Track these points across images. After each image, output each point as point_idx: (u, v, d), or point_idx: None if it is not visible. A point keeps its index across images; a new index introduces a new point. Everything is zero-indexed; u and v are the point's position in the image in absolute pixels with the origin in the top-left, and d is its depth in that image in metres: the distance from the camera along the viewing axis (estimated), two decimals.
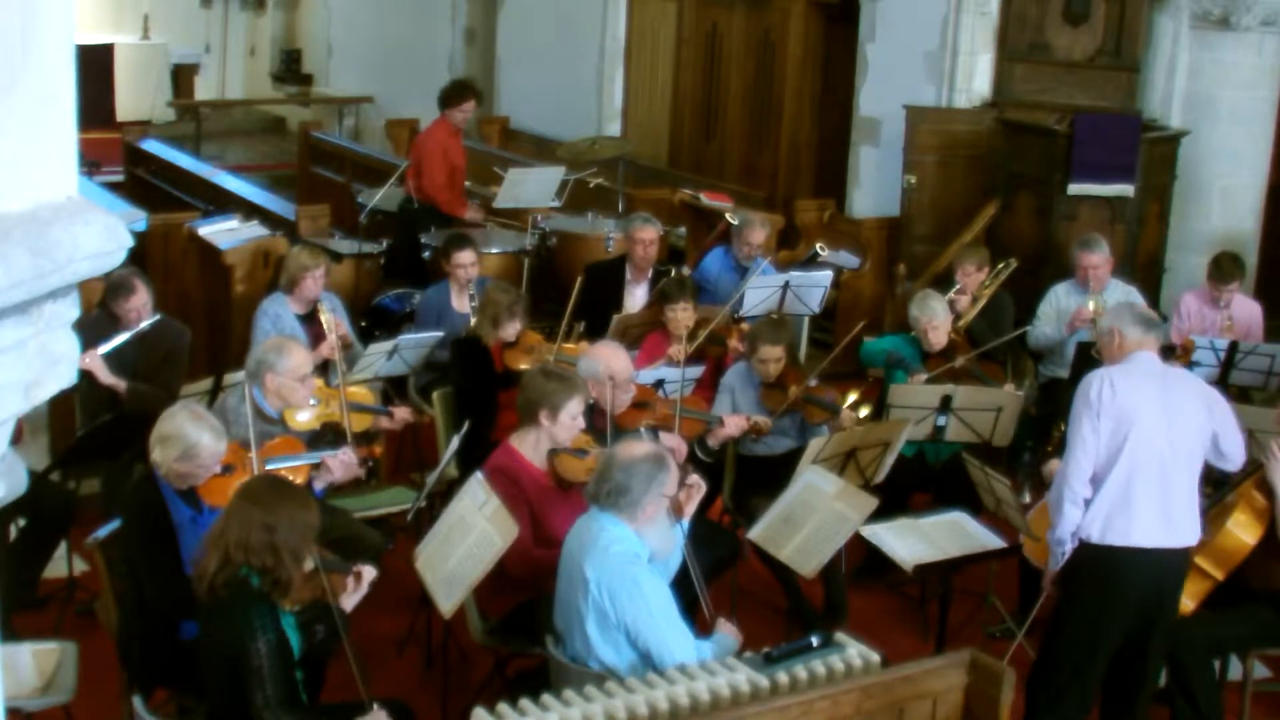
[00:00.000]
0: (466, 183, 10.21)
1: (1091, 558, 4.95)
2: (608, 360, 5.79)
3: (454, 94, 9.86)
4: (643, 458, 4.47)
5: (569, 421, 5.22)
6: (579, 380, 5.41)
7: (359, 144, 14.99)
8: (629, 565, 4.36)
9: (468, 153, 10.20)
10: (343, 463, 5.31)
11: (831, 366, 7.17)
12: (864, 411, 6.80)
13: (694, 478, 4.90)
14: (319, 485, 5.26)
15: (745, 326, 7.33)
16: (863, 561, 6.57)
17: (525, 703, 3.94)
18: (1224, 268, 7.83)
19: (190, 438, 4.73)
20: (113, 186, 11.97)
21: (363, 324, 8.19)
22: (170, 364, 6.68)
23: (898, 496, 6.26)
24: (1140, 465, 4.87)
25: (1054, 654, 5.11)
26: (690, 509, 4.82)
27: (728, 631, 4.61)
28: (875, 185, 10.94)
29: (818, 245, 9.24)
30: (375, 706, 4.20)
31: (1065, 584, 5.08)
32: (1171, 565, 5.00)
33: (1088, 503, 4.92)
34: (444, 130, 9.80)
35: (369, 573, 4.44)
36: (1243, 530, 5.30)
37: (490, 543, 4.71)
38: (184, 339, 6.86)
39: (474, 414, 6.18)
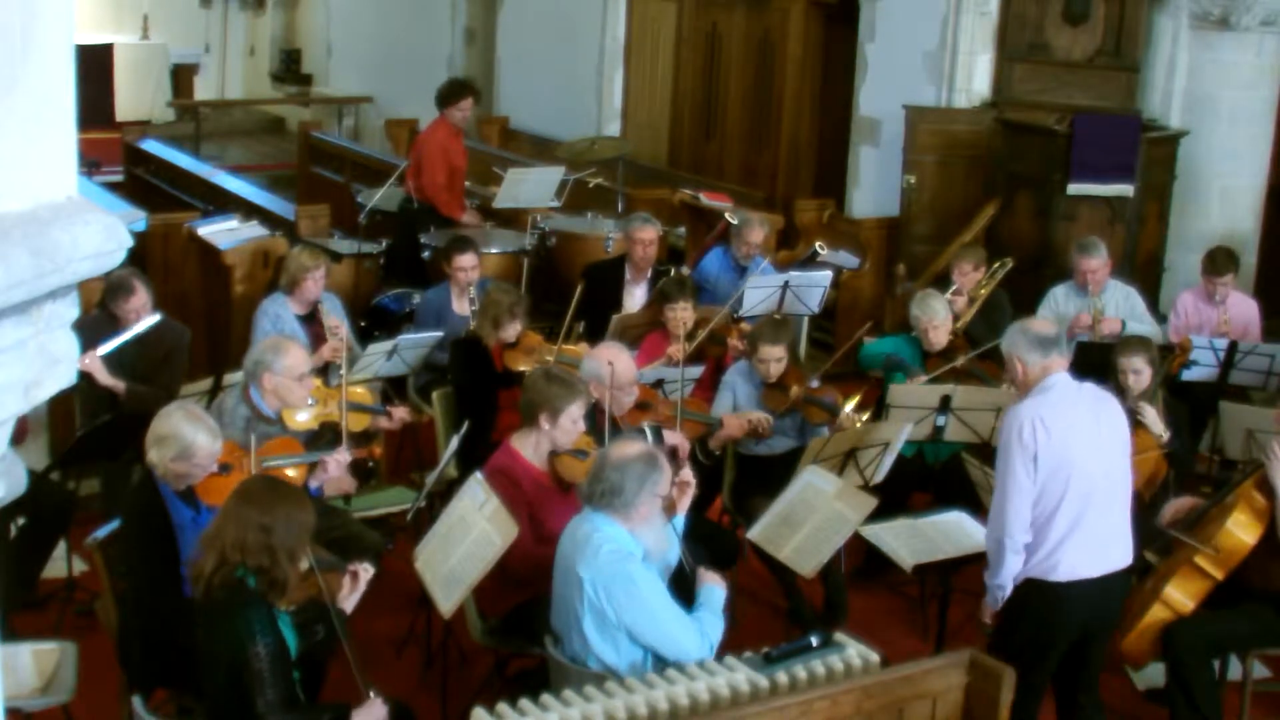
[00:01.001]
0: (466, 183, 10.21)
1: (1035, 595, 4.82)
2: (610, 361, 5.79)
3: (452, 93, 9.85)
4: (635, 458, 4.46)
5: (569, 425, 5.22)
6: (581, 384, 5.41)
7: (358, 144, 14.99)
8: (622, 563, 4.36)
9: (468, 153, 10.20)
10: (339, 463, 5.31)
11: (832, 367, 7.17)
12: (865, 415, 6.79)
13: (685, 473, 4.89)
14: (315, 484, 5.26)
15: (745, 326, 7.33)
16: (862, 561, 6.57)
17: (525, 703, 3.94)
18: (1217, 260, 7.83)
19: (186, 437, 4.73)
20: (112, 186, 11.96)
21: (362, 324, 8.19)
22: (170, 364, 6.68)
23: (897, 496, 6.26)
24: (1083, 500, 4.74)
25: None
26: (683, 505, 4.82)
27: (711, 581, 4.57)
28: (875, 185, 10.94)
29: (817, 245, 9.25)
30: (372, 694, 4.20)
31: (1007, 617, 4.94)
32: (1112, 588, 4.91)
33: (1027, 546, 4.78)
34: (444, 130, 9.80)
35: (366, 571, 4.44)
36: (1242, 530, 5.29)
37: (490, 543, 4.72)
38: (184, 339, 6.86)
39: (474, 414, 6.18)
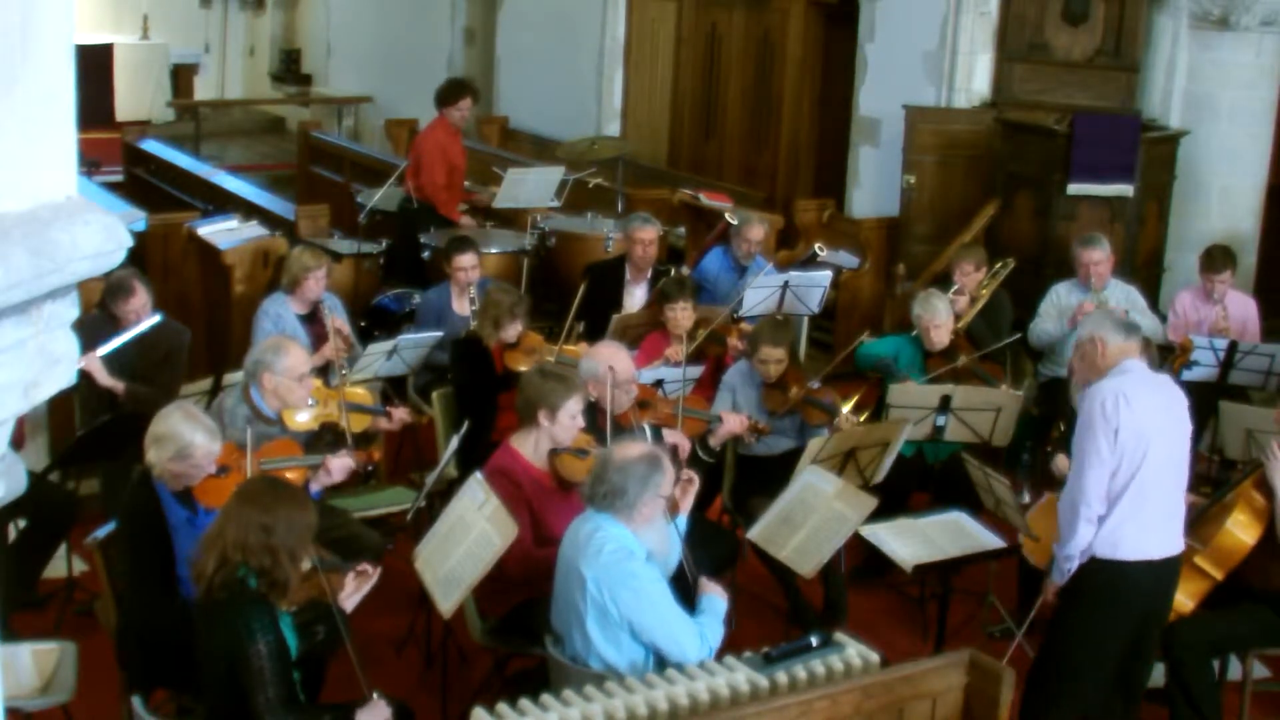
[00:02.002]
0: (466, 183, 10.21)
1: (1101, 572, 4.91)
2: (609, 360, 5.79)
3: (451, 93, 9.86)
4: (638, 459, 4.46)
5: (568, 421, 5.22)
6: (576, 379, 5.41)
7: (358, 144, 14.99)
8: (625, 561, 4.36)
9: (467, 153, 10.20)
10: (342, 466, 5.31)
11: (834, 369, 7.16)
12: (863, 416, 6.80)
13: (688, 473, 4.90)
14: (316, 488, 5.25)
15: (745, 326, 7.33)
16: (862, 561, 6.57)
17: (525, 703, 3.94)
18: (1215, 258, 7.84)
19: (184, 438, 4.72)
20: (112, 186, 11.96)
21: (362, 324, 8.19)
22: (169, 364, 6.67)
23: (897, 496, 6.27)
24: (1155, 478, 4.87)
25: (1056, 661, 5.07)
26: (686, 505, 4.82)
27: (712, 592, 4.58)
28: (875, 185, 10.94)
29: (816, 245, 9.24)
30: (375, 695, 4.20)
31: (1070, 596, 5.03)
32: (1170, 572, 5.03)
33: (1101, 519, 4.89)
34: (443, 130, 9.81)
35: (372, 572, 4.44)
36: (1242, 530, 5.30)
37: (489, 543, 4.72)
38: (183, 339, 6.85)
39: (473, 414, 6.18)
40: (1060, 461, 5.85)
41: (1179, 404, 5.08)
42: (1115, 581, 4.92)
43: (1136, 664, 5.12)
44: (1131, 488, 4.85)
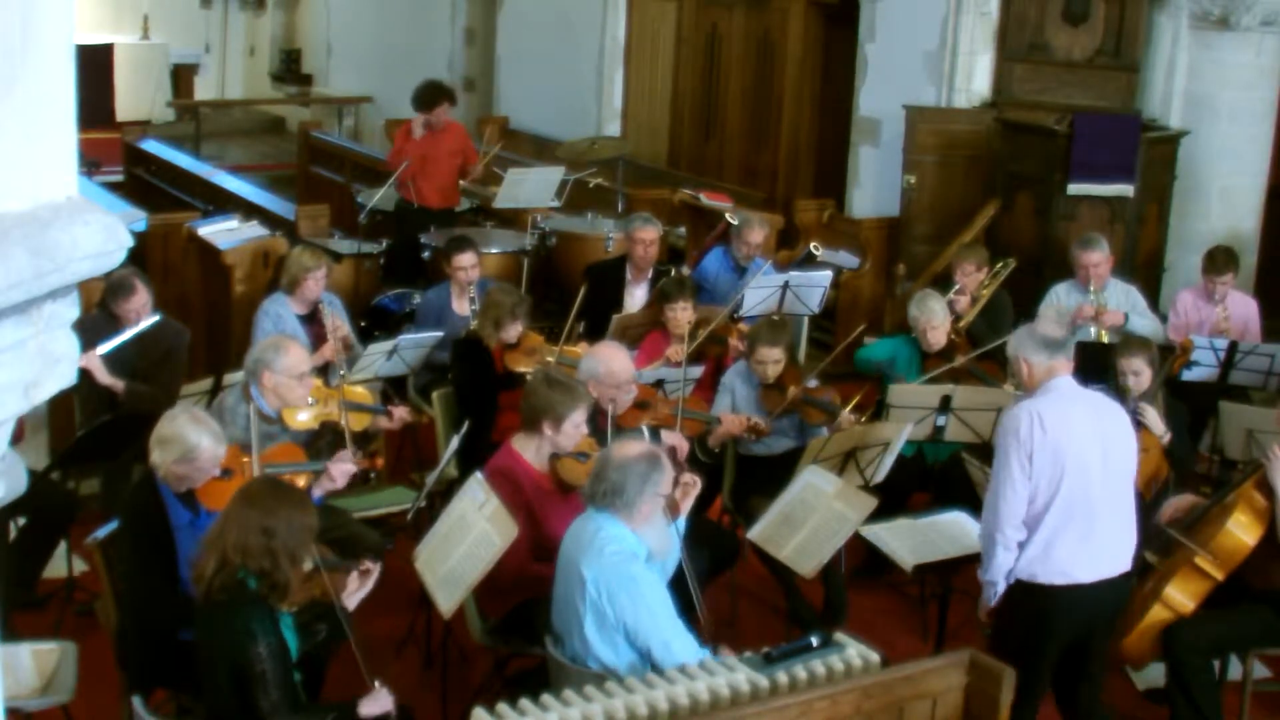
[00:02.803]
0: (462, 182, 10.20)
1: (1027, 598, 4.84)
2: (609, 361, 5.79)
3: (427, 99, 9.77)
4: (637, 458, 4.46)
5: (572, 431, 5.21)
6: (583, 390, 5.40)
7: (358, 144, 14.99)
8: (626, 564, 4.36)
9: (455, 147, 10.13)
10: (344, 471, 5.30)
11: (831, 367, 7.17)
12: (864, 416, 6.79)
13: (689, 475, 4.90)
14: (318, 493, 5.25)
15: (744, 327, 7.33)
16: (862, 561, 6.57)
17: (525, 703, 3.94)
18: (1217, 260, 7.83)
19: (190, 440, 4.73)
20: (112, 186, 11.97)
21: (362, 324, 8.19)
22: (169, 364, 6.68)
23: (897, 496, 6.26)
24: (1077, 502, 4.74)
25: None
26: (686, 506, 4.82)
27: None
28: (875, 185, 10.94)
29: (811, 245, 9.23)
30: (378, 684, 4.20)
31: (1001, 620, 4.97)
32: (1108, 595, 4.91)
33: (1021, 544, 4.79)
34: (415, 126, 9.83)
35: (375, 569, 4.44)
36: (1243, 530, 5.29)
37: (490, 543, 4.72)
38: (183, 339, 6.86)
39: (474, 414, 6.18)
40: None
41: (1114, 422, 4.92)
42: (1042, 606, 4.82)
43: (1083, 684, 5.04)
44: (1053, 510, 4.74)
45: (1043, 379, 4.86)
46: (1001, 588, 4.87)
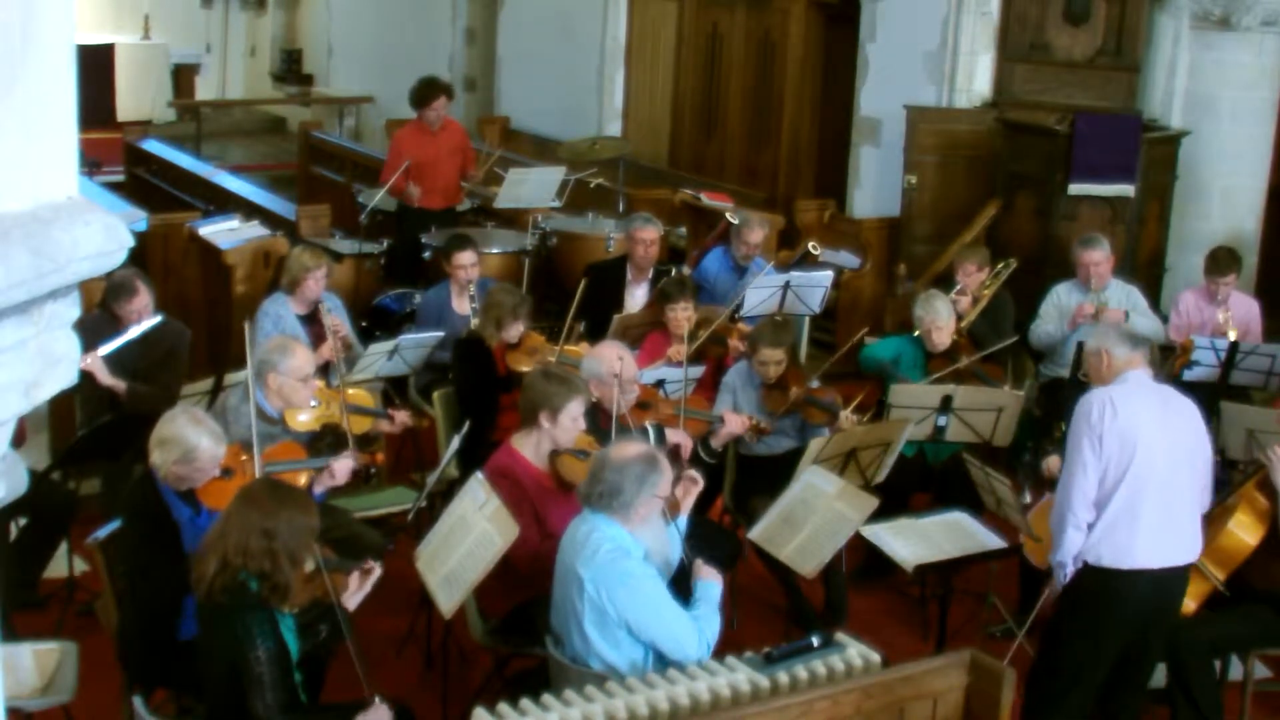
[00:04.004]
0: (464, 184, 10.20)
1: (1094, 580, 4.92)
2: (611, 360, 5.79)
3: (423, 94, 9.80)
4: (635, 459, 4.46)
5: (569, 423, 5.21)
6: (579, 382, 5.41)
7: (359, 144, 14.99)
8: (621, 561, 4.36)
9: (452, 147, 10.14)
10: (345, 469, 5.31)
11: (833, 368, 7.16)
12: (865, 416, 6.79)
13: (691, 472, 4.89)
14: (319, 490, 5.26)
15: (745, 327, 7.33)
16: (863, 561, 6.57)
17: (526, 703, 3.94)
18: (1220, 260, 7.83)
19: (189, 441, 4.73)
20: (113, 186, 11.98)
21: (363, 324, 8.19)
22: (170, 364, 6.67)
23: (898, 496, 6.26)
24: (1144, 487, 4.85)
25: (1054, 661, 5.09)
26: (688, 505, 4.82)
27: (708, 577, 4.56)
28: (876, 185, 10.93)
29: (810, 244, 9.23)
30: (378, 700, 4.20)
31: (1067, 601, 5.05)
32: (1173, 583, 5.00)
33: (1090, 526, 4.89)
34: (413, 129, 9.83)
35: (376, 569, 4.44)
36: (1244, 531, 5.30)
37: (491, 543, 4.71)
38: (184, 339, 6.85)
39: (475, 414, 6.18)
40: (1052, 462, 5.86)
41: (1184, 415, 5.04)
42: (1109, 589, 4.92)
43: (1138, 668, 5.12)
44: (1117, 497, 4.84)
45: (1120, 371, 5.02)
46: (1070, 570, 4.95)
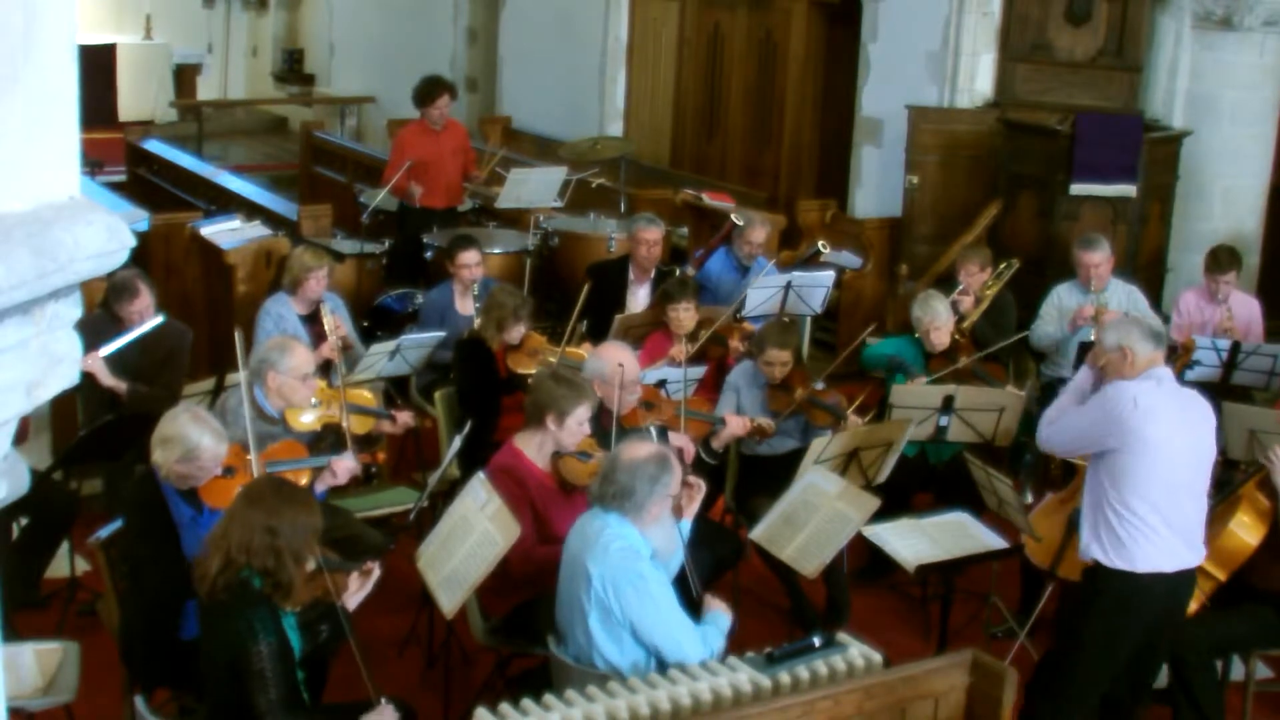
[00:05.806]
0: (467, 184, 10.20)
1: (1114, 582, 4.91)
2: (614, 364, 5.78)
3: (426, 93, 9.80)
4: (646, 459, 4.46)
5: (575, 427, 5.21)
6: (588, 387, 5.40)
7: (361, 144, 14.99)
8: (632, 561, 4.37)
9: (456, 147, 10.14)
10: (346, 468, 5.31)
11: (836, 369, 7.16)
12: (867, 417, 6.79)
13: (694, 478, 4.90)
14: (320, 488, 5.26)
15: (747, 327, 7.33)
16: (865, 562, 6.57)
17: (527, 702, 3.94)
18: (1221, 259, 7.83)
19: (191, 440, 4.73)
20: (115, 186, 11.98)
21: (365, 324, 8.19)
22: (171, 364, 6.68)
23: (900, 497, 6.26)
24: (1168, 492, 4.85)
25: (1068, 663, 5.08)
26: (691, 510, 4.82)
27: (718, 608, 4.59)
28: (877, 185, 10.93)
29: (819, 243, 9.23)
30: (384, 701, 4.20)
31: (1083, 604, 5.04)
32: (1184, 585, 5.01)
33: (1109, 537, 4.87)
34: (415, 128, 9.82)
35: (376, 569, 4.44)
36: (1245, 531, 5.30)
37: (492, 543, 4.72)
38: (185, 340, 6.86)
39: (476, 415, 6.18)
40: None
41: (1199, 416, 5.03)
42: (1128, 593, 4.90)
43: (1145, 669, 5.12)
44: (1142, 501, 4.81)
45: (1144, 367, 5.01)
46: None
